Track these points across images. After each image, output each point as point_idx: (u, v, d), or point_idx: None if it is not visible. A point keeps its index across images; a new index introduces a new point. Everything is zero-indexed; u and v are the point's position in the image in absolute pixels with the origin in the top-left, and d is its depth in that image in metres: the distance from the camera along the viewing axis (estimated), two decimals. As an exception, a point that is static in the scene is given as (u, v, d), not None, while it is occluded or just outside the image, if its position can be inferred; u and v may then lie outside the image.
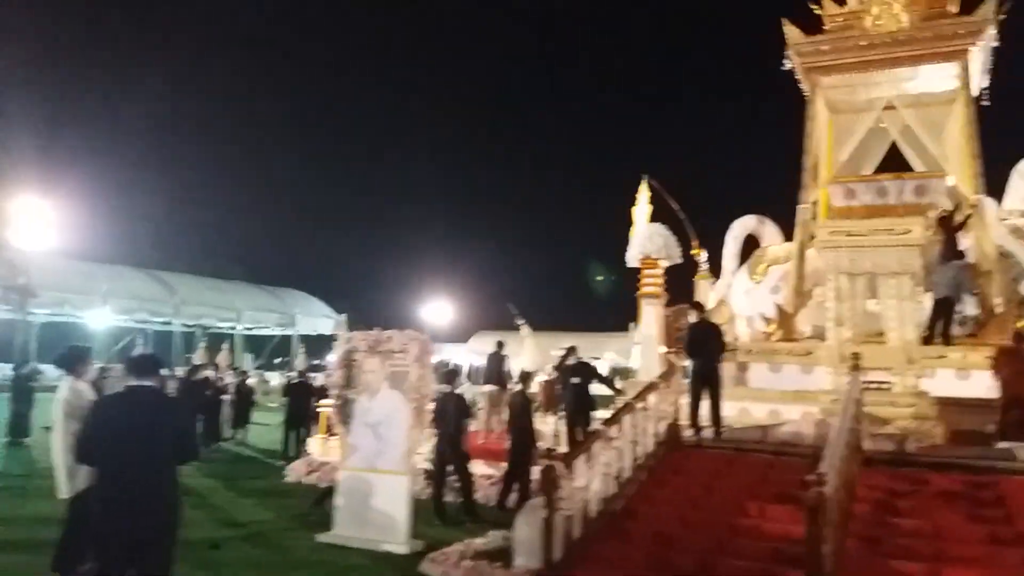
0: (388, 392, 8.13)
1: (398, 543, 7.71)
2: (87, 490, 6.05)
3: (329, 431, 12.54)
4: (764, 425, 10.62)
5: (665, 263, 13.99)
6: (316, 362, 44.98)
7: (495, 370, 15.12)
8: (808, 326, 13.92)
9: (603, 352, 52.79)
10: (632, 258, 13.97)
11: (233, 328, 46.64)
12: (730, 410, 12.03)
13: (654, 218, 18.24)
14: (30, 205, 35.47)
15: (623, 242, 14.81)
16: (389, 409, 8.08)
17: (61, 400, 6.05)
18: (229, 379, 18.02)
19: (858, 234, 11.21)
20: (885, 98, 14.90)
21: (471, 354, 55.99)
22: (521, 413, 10.40)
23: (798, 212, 14.81)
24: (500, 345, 15.59)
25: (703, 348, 9.94)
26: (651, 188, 17.98)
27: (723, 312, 15.94)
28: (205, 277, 48.05)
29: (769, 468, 8.68)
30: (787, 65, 14.98)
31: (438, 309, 53.94)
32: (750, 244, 16.47)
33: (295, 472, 12.22)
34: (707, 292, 17.48)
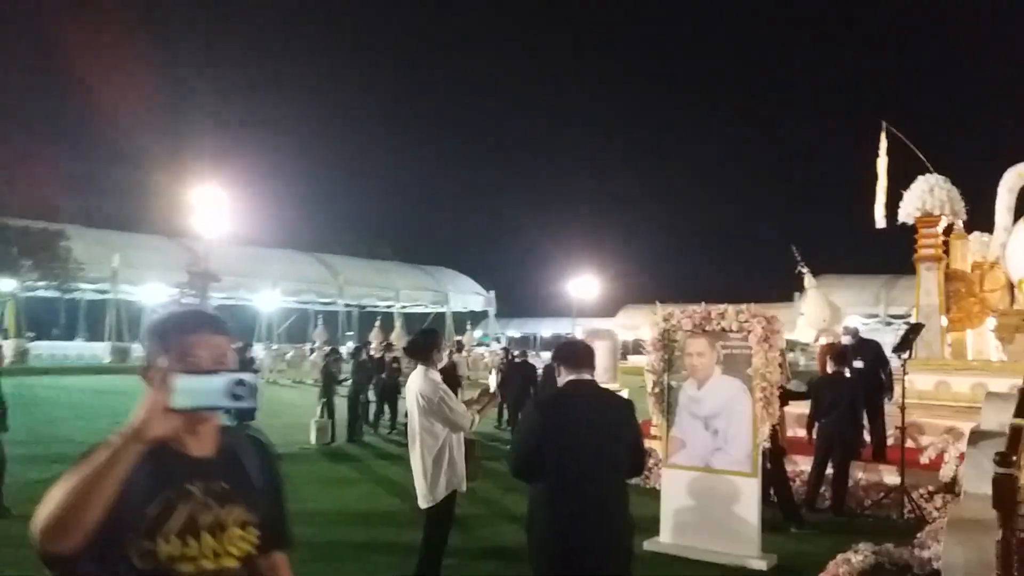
0: (722, 379, 6.92)
1: (754, 557, 6.54)
2: (447, 500, 5.25)
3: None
4: None
5: (947, 220, 12.21)
6: (458, 338, 44.89)
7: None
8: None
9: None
10: (907, 215, 12.26)
11: (391, 307, 47.25)
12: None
13: (893, 171, 16.33)
14: (209, 194, 36.72)
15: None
16: (725, 399, 6.89)
17: (416, 392, 5.20)
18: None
19: None
20: None
21: (620, 328, 54.84)
22: (839, 399, 8.79)
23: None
24: None
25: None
26: (889, 138, 16.02)
27: (997, 276, 13.91)
28: (362, 258, 48.86)
29: None
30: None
31: (585, 283, 52.79)
32: (1024, 196, 14.25)
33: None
34: (964, 252, 15.40)
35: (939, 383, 11.67)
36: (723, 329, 6.94)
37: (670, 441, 7.18)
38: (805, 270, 16.30)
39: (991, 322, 13.72)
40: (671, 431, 7.16)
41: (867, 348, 9.87)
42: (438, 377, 5.27)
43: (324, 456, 12.46)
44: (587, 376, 3.81)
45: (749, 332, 6.79)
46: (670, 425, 7.18)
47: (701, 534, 6.83)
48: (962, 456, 9.02)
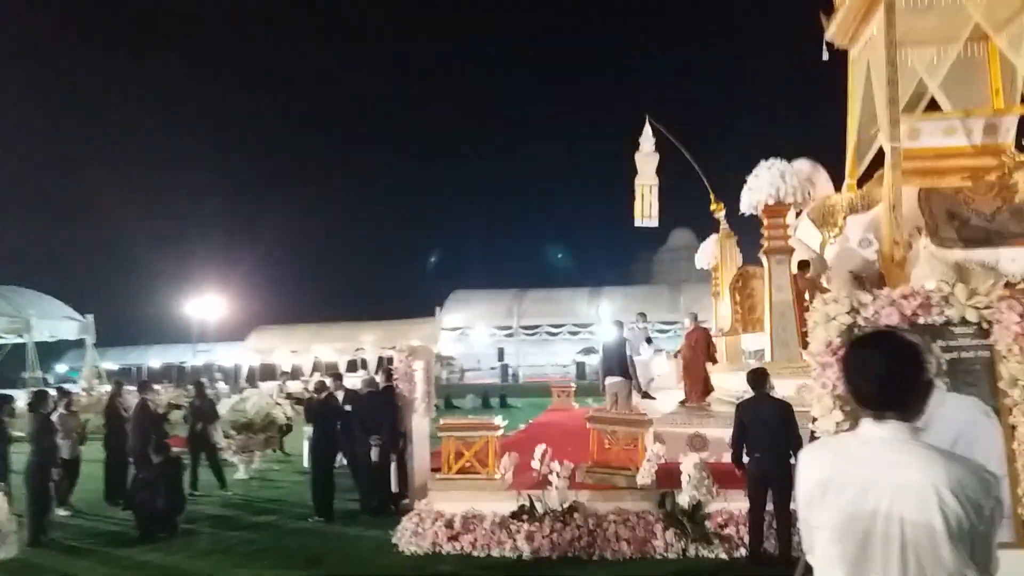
0: (947, 399, 4.57)
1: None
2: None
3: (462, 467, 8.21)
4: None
5: (795, 209, 11.43)
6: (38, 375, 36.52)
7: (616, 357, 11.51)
8: (930, 281, 12.05)
9: (407, 340, 49.10)
10: (755, 203, 11.15)
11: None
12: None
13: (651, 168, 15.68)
14: None
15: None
16: (955, 431, 4.53)
17: (936, 493, 2.05)
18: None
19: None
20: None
21: (252, 353, 49.34)
22: (779, 423, 7.08)
23: (889, 150, 12.92)
24: (620, 325, 11.96)
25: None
26: (656, 132, 15.31)
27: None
28: None
29: None
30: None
31: (208, 303, 46.72)
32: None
33: (417, 536, 7.80)
34: (734, 253, 15.19)
35: (801, 387, 10.71)
36: (946, 323, 4.62)
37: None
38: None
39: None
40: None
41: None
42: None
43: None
44: None
45: (995, 323, 4.57)
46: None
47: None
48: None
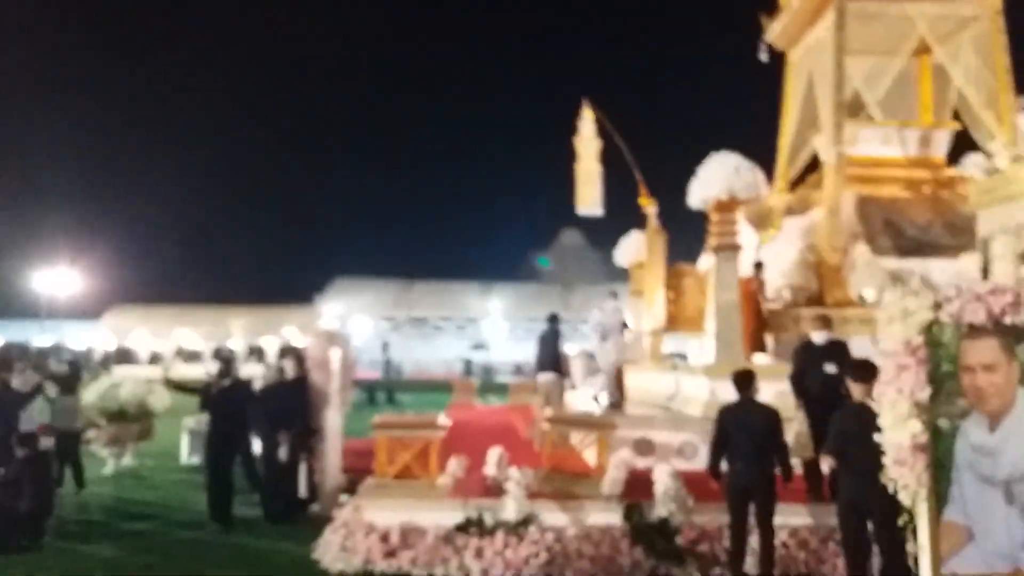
0: (1035, 411, 3.89)
1: None
2: None
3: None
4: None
5: (746, 206, 10.84)
6: None
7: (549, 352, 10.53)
8: (868, 289, 11.82)
9: (281, 328, 46.75)
10: (706, 198, 10.46)
11: None
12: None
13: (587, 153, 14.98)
14: None
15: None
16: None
17: None
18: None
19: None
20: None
21: (109, 333, 45.78)
22: (766, 431, 6.34)
23: (832, 155, 12.63)
24: (555, 319, 10.94)
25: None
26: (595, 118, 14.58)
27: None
28: None
29: None
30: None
31: (59, 278, 43.03)
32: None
33: (346, 551, 6.65)
34: (663, 250, 14.62)
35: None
36: (1033, 322, 3.95)
37: (945, 530, 3.88)
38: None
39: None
40: (945, 513, 3.88)
41: (838, 351, 7.41)
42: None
43: None
44: None
45: (1088, 327, 3.93)
46: (942, 503, 3.89)
47: None
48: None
